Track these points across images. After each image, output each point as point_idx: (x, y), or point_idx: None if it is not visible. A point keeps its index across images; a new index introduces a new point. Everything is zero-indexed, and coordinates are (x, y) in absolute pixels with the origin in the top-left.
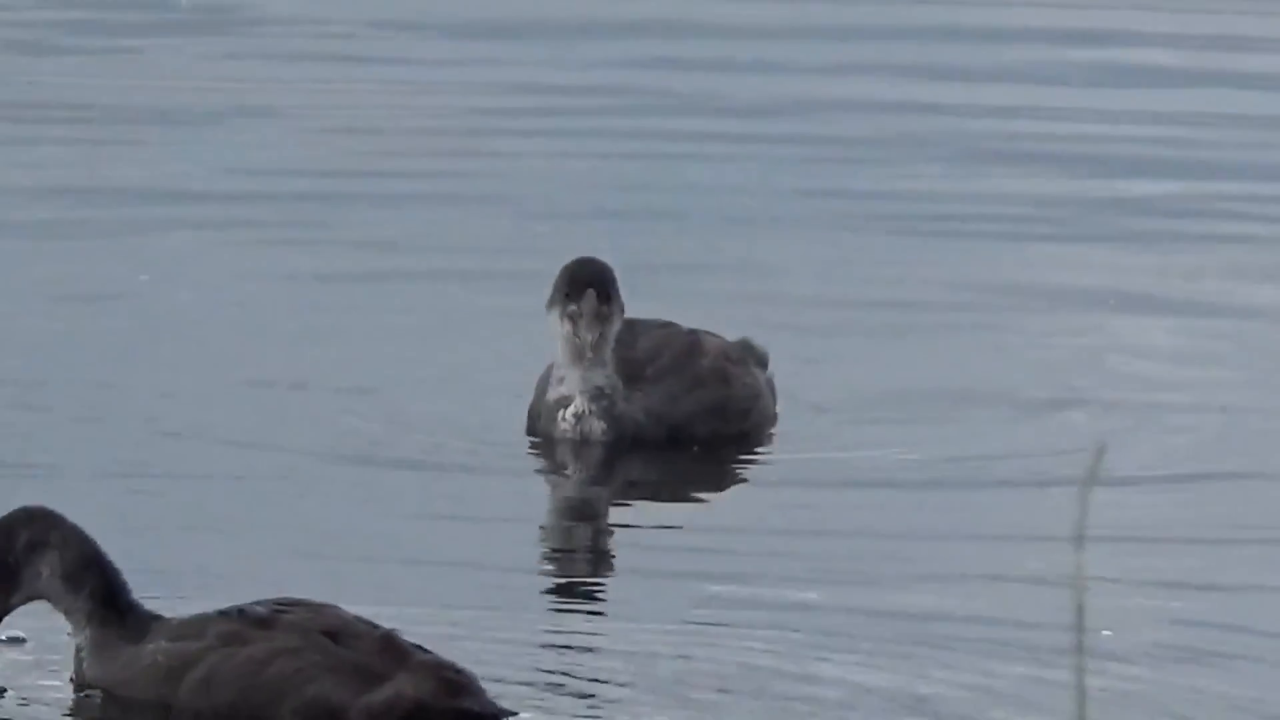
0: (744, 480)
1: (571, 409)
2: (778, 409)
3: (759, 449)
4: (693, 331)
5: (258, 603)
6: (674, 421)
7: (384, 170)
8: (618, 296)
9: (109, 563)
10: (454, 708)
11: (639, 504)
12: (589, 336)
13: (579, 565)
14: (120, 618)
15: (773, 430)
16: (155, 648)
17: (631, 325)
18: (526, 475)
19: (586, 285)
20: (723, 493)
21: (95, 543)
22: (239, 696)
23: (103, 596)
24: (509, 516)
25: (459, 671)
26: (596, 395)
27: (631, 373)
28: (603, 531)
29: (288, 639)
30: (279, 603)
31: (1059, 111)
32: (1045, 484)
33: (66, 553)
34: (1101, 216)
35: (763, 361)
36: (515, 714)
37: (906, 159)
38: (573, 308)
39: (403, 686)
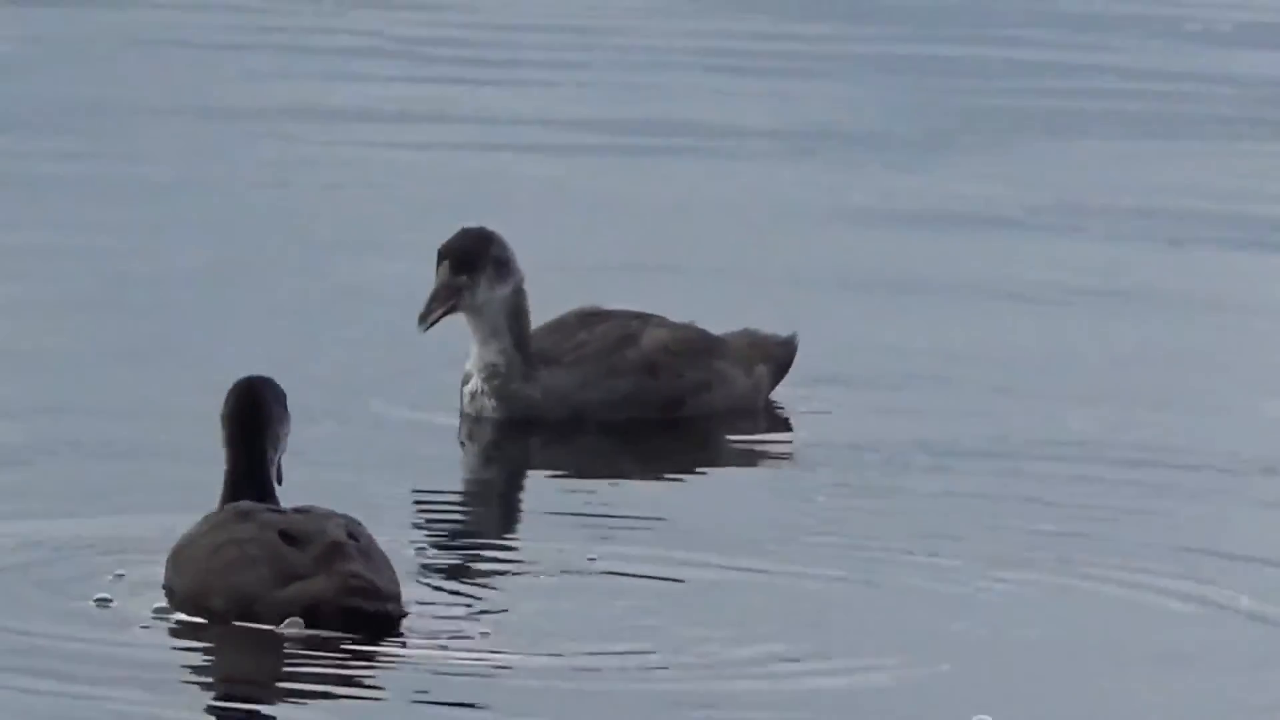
0: (646, 465)
1: (469, 386)
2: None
3: (696, 437)
4: (645, 322)
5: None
6: (576, 404)
7: None
8: (486, 269)
9: None
10: (347, 606)
11: (525, 482)
12: (432, 305)
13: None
14: None
15: (739, 420)
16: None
17: (594, 315)
18: (420, 448)
19: (443, 257)
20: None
21: None
22: (191, 580)
23: None
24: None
25: (364, 577)
26: (491, 373)
27: (553, 357)
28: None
29: (244, 531)
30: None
31: None
32: None
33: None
34: None
35: (771, 357)
36: (405, 614)
37: None
38: None
39: (310, 586)
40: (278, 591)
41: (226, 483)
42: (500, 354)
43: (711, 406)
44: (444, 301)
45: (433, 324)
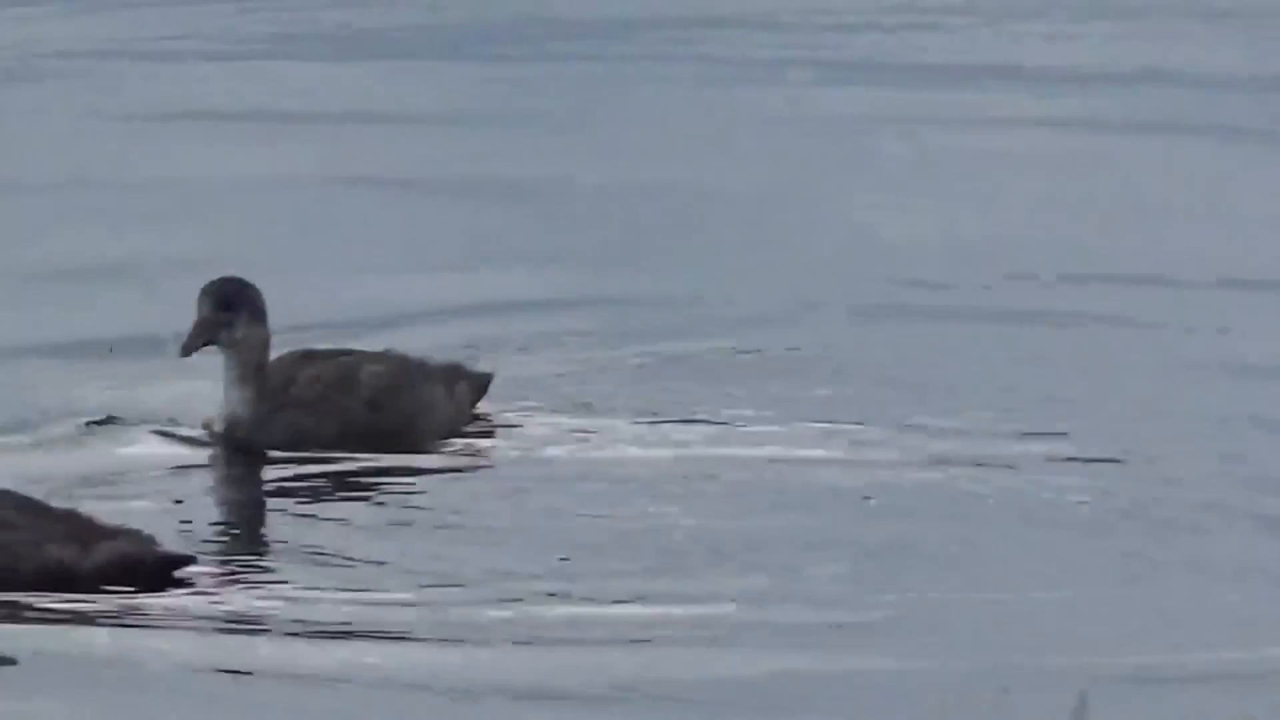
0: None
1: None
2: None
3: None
4: (362, 359)
5: None
6: (309, 442)
7: None
8: (244, 314)
9: None
10: (160, 556)
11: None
12: (194, 336)
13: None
14: None
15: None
16: None
17: (310, 356)
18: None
19: (205, 294)
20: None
21: None
22: None
23: None
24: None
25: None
26: (234, 424)
27: (276, 398)
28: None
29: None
30: None
31: None
32: None
33: None
34: None
35: (475, 381)
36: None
37: None
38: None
39: (120, 546)
40: (94, 558)
41: None
42: (244, 404)
43: (420, 438)
44: (204, 333)
45: (191, 353)
